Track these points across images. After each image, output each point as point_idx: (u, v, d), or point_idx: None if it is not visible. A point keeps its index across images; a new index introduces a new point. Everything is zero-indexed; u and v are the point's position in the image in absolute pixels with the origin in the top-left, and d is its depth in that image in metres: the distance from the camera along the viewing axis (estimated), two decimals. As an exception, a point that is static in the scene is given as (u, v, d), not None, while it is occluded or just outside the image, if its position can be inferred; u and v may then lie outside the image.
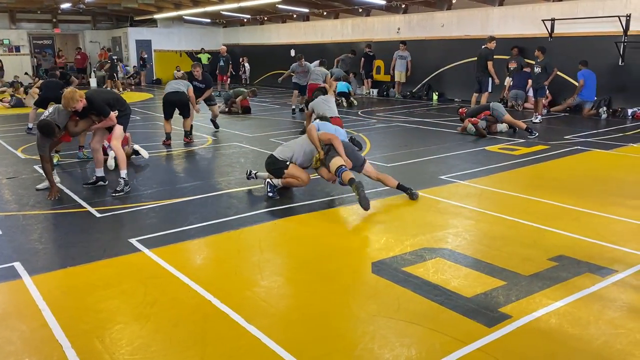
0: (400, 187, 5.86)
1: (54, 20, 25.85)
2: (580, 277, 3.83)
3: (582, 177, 6.91)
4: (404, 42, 17.01)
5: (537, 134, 9.79)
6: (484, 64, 12.15)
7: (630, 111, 12.26)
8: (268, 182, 6.02)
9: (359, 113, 13.78)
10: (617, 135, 9.94)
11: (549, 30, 13.91)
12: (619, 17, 12.45)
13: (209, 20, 25.92)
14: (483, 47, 12.43)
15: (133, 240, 4.63)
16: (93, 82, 22.59)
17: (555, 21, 13.77)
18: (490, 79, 12.15)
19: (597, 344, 2.98)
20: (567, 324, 3.19)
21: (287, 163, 5.93)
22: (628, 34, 12.42)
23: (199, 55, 24.80)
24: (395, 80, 17.45)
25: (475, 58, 12.97)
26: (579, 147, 8.77)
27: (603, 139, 9.53)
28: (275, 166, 5.99)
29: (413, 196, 5.79)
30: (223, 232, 4.89)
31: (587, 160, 7.99)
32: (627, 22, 12.44)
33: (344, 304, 3.52)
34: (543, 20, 13.88)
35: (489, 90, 12.30)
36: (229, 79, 20.08)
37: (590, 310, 3.36)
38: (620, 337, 3.05)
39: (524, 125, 10.03)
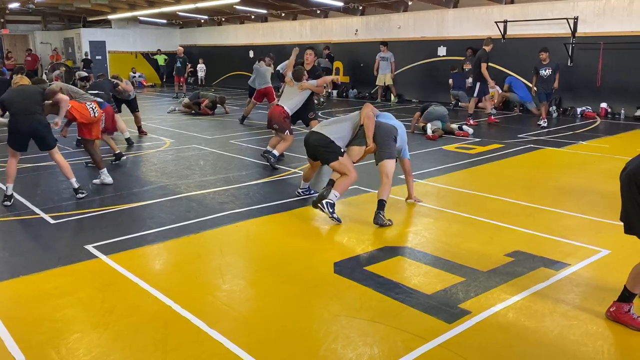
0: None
1: (2, 20, 24.89)
2: (536, 272, 3.95)
3: (535, 175, 7.13)
4: (384, 43, 16.46)
5: (472, 131, 10.02)
6: (479, 65, 11.51)
7: (579, 110, 12.74)
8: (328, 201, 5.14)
9: (319, 114, 13.81)
10: (568, 134, 10.31)
11: (502, 32, 14.30)
12: (567, 19, 12.93)
13: (165, 21, 25.50)
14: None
15: (89, 247, 4.50)
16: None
17: (508, 23, 14.17)
18: (479, 83, 11.57)
19: (552, 336, 3.08)
20: (524, 317, 3.29)
21: (343, 150, 5.26)
22: (576, 35, 12.90)
23: (155, 57, 24.45)
24: (377, 83, 16.78)
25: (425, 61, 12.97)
26: (532, 146, 9.05)
27: (554, 137, 9.86)
28: (328, 149, 5.21)
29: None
30: (183, 237, 4.81)
31: (539, 158, 8.25)
32: (575, 24, 12.94)
33: (306, 305, 3.52)
34: (496, 22, 14.26)
35: (475, 95, 11.75)
36: (186, 81, 19.79)
37: (545, 303, 3.47)
38: (573, 328, 3.16)
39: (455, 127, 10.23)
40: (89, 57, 23.49)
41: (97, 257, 4.31)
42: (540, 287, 3.70)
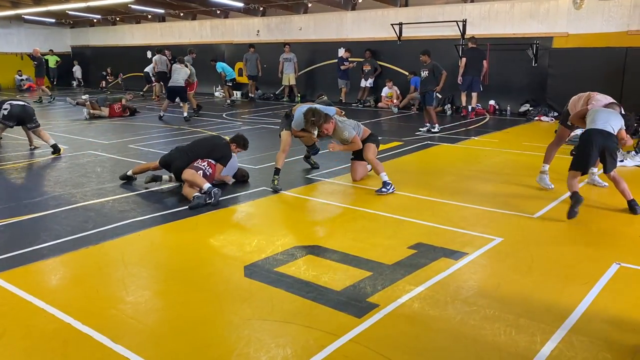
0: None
1: None
2: (437, 262, 4.15)
3: (433, 170, 7.49)
4: (287, 44, 16.61)
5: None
6: (481, 63, 12.75)
7: (470, 107, 13.55)
8: None
9: (224, 116, 13.62)
10: (461, 130, 10.96)
11: (398, 34, 14.89)
12: (457, 22, 13.72)
13: (53, 20, 23.89)
14: (469, 47, 12.78)
15: (-27, 266, 4.12)
16: None
17: (403, 25, 14.78)
18: (480, 78, 12.78)
19: (454, 323, 3.25)
20: (428, 306, 3.44)
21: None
22: (465, 37, 13.72)
23: (46, 57, 22.82)
24: (284, 84, 16.91)
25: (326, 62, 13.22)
26: (428, 142, 9.51)
27: (449, 134, 10.44)
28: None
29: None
30: (81, 249, 4.54)
31: (436, 154, 8.69)
32: (464, 26, 13.78)
33: (217, 311, 3.45)
34: (392, 25, 14.82)
35: (481, 89, 12.90)
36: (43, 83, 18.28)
37: (447, 291, 3.66)
38: (473, 314, 3.35)
39: None
40: None
41: (-18, 276, 3.95)
42: (442, 276, 3.89)
